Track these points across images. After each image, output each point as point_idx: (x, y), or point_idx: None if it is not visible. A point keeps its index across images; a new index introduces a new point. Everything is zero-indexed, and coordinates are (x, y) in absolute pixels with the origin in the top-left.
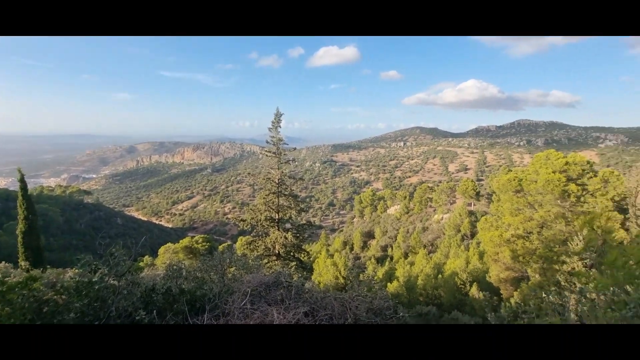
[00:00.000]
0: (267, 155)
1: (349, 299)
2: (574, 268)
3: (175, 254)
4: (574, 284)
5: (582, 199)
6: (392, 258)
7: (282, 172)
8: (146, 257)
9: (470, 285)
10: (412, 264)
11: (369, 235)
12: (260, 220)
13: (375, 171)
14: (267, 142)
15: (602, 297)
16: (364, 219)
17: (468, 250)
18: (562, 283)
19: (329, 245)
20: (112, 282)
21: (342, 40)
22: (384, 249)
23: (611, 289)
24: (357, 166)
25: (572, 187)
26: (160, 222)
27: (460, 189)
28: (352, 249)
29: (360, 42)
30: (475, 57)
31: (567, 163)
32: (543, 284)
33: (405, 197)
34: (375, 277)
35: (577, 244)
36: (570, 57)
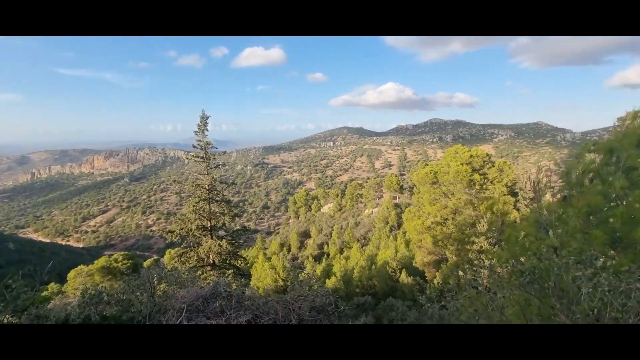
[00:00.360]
0: (194, 161)
1: (291, 300)
2: (481, 247)
3: (89, 277)
4: (483, 260)
5: (484, 186)
6: (328, 255)
7: (213, 177)
8: (51, 284)
9: (400, 272)
10: (347, 258)
11: (305, 234)
12: (191, 230)
13: (308, 171)
14: (194, 146)
15: (504, 269)
16: (299, 219)
17: (396, 240)
18: (475, 260)
19: (265, 248)
20: (10, 320)
21: (267, 41)
22: (321, 246)
23: (510, 261)
24: (290, 167)
25: (476, 176)
26: (68, 243)
27: (386, 184)
28: (289, 250)
29: (286, 43)
30: (392, 61)
31: (471, 156)
32: (459, 263)
33: (338, 195)
34: (314, 276)
35: (482, 226)
36: (469, 64)
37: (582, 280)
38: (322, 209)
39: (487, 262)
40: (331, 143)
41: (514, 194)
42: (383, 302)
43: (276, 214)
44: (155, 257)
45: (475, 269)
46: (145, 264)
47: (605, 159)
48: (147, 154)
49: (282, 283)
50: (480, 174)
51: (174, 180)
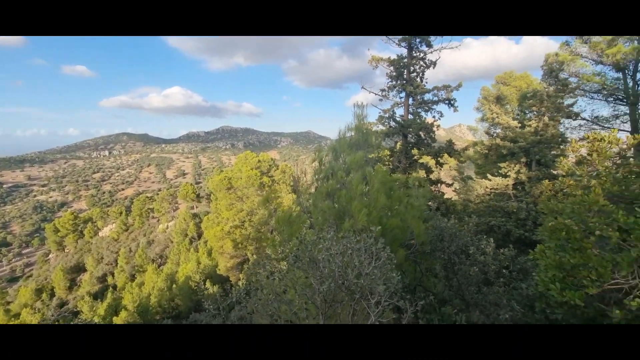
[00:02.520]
0: None
1: None
2: (274, 239)
3: None
4: (275, 251)
5: (272, 187)
6: (116, 286)
7: None
8: None
9: (205, 283)
10: (141, 284)
11: (78, 269)
12: None
13: (74, 188)
14: None
15: (278, 254)
16: (66, 251)
17: (198, 252)
18: (270, 254)
19: (9, 302)
20: None
21: None
22: (103, 279)
23: (281, 246)
24: (43, 185)
25: (265, 179)
26: None
27: (181, 194)
28: (52, 295)
29: None
30: (177, 65)
31: (259, 161)
32: (259, 261)
33: (122, 213)
34: (95, 317)
35: (272, 221)
36: (252, 77)
37: (321, 250)
38: (100, 233)
39: (273, 253)
40: (107, 152)
41: (296, 191)
42: (185, 320)
43: (25, 251)
44: None
45: (266, 262)
46: None
47: (334, 157)
48: None
49: None
50: (268, 177)
51: None
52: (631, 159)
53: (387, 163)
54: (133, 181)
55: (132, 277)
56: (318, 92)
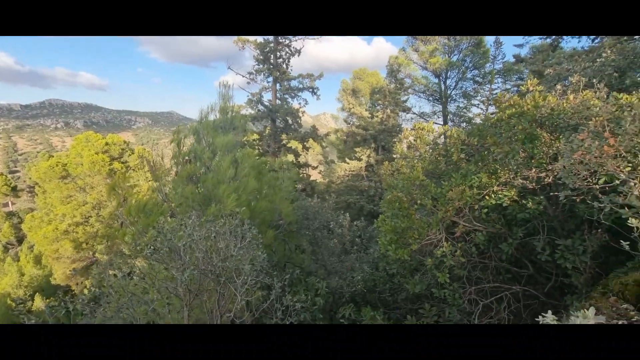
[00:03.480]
0: None
1: None
2: (124, 233)
3: None
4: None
5: (127, 174)
6: None
7: None
8: None
9: (33, 299)
10: None
11: None
12: None
13: None
14: None
15: (130, 247)
16: None
17: (18, 261)
18: (126, 252)
19: None
20: None
21: None
22: None
23: (135, 238)
24: None
25: (117, 165)
26: None
27: None
28: None
29: None
30: None
31: (107, 144)
32: (112, 261)
33: None
34: None
35: (126, 212)
36: (93, 41)
37: (182, 237)
38: None
39: (126, 249)
40: None
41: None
42: None
43: None
44: None
45: (119, 260)
46: None
47: (197, 139)
48: None
49: None
50: (121, 163)
51: None
52: (440, 145)
53: (256, 147)
54: None
55: None
56: (182, 68)
